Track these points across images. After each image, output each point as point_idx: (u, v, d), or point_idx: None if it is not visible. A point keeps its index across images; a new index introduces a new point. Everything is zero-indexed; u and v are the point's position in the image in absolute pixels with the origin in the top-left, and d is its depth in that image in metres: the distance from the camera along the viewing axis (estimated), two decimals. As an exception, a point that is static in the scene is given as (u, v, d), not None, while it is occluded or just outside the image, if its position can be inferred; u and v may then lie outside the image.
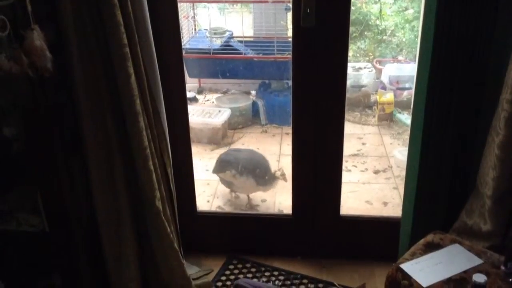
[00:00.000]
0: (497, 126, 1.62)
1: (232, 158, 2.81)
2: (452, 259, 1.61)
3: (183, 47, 3.69)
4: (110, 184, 1.78)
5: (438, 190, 1.86)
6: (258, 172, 2.72)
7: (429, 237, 1.72)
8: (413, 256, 1.64)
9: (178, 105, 2.11)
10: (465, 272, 1.56)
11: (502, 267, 1.55)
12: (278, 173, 2.75)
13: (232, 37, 3.96)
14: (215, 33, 3.87)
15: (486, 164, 1.69)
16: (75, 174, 1.77)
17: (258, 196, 2.90)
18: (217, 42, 3.84)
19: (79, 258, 1.85)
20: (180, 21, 1.99)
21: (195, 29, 4.18)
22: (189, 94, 4.02)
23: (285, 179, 2.71)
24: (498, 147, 1.61)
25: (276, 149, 3.46)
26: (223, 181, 2.85)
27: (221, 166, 2.82)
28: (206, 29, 4.02)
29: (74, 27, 1.61)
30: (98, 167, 1.76)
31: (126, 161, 1.77)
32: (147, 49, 1.75)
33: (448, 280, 1.53)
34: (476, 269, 1.56)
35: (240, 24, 4.10)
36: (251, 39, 4.15)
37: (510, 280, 1.52)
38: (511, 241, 1.68)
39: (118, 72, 1.64)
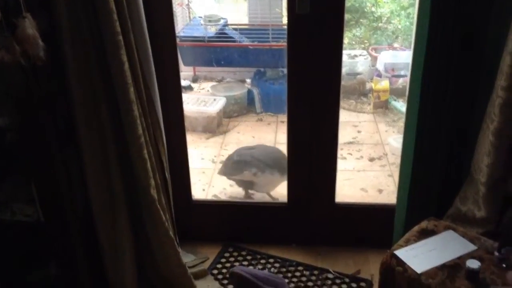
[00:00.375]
0: (491, 113, 1.62)
1: (248, 157, 2.69)
2: (446, 246, 1.62)
3: (177, 35, 3.68)
4: (104, 173, 1.78)
5: (432, 177, 1.87)
6: (281, 164, 2.61)
7: (423, 224, 1.73)
8: (408, 242, 1.65)
9: (173, 93, 2.10)
10: (459, 258, 1.57)
11: (496, 253, 1.56)
12: None
13: (227, 25, 3.93)
14: (209, 21, 3.84)
15: (480, 150, 1.70)
16: (69, 164, 1.76)
17: (253, 184, 2.91)
18: (212, 30, 3.81)
19: (75, 247, 1.85)
20: (174, 9, 1.97)
21: (189, 17, 4.16)
22: (184, 83, 4.00)
23: None
24: (492, 134, 1.62)
25: (272, 138, 3.46)
26: (240, 182, 2.73)
27: (236, 168, 2.69)
28: (201, 17, 3.99)
29: (66, 15, 1.59)
30: (92, 156, 1.75)
31: (121, 150, 1.76)
32: (141, 37, 1.74)
33: (442, 266, 1.54)
34: (470, 255, 1.57)
35: (235, 12, 4.07)
36: (246, 26, 4.13)
37: (504, 265, 1.53)
38: (505, 227, 1.69)
39: (112, 60, 1.63)
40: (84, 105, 1.70)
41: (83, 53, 1.64)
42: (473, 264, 1.49)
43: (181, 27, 3.90)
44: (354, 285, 2.10)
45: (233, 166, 2.72)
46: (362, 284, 2.10)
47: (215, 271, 2.20)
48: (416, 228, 1.72)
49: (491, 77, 1.63)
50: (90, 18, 1.61)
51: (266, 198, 2.78)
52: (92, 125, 1.73)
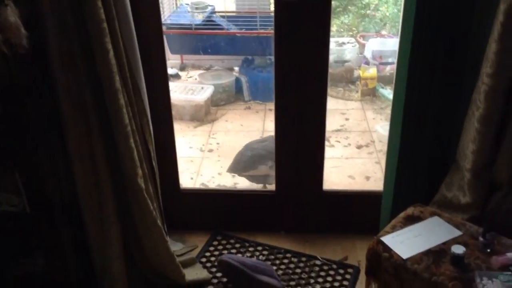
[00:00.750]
0: (477, 100, 1.63)
1: (262, 151, 2.61)
2: (431, 231, 1.64)
3: (164, 22, 3.66)
4: (90, 163, 1.76)
5: (418, 164, 1.88)
6: None
7: (409, 210, 1.75)
8: (394, 229, 1.67)
9: (159, 82, 2.08)
10: (444, 243, 1.59)
11: (480, 238, 1.58)
12: None
13: (214, 12, 3.90)
14: (196, 8, 3.80)
15: (466, 137, 1.71)
16: (54, 153, 1.75)
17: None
18: (199, 17, 3.78)
19: (62, 237, 1.84)
20: (160, -4, 1.96)
21: (176, 4, 4.11)
22: (171, 71, 3.97)
23: None
24: (477, 121, 1.63)
25: (260, 126, 3.45)
26: (254, 178, 2.65)
27: (251, 164, 2.61)
28: (188, 4, 3.94)
29: (49, 2, 1.56)
30: (78, 145, 1.74)
31: (107, 139, 1.75)
32: (126, 24, 1.72)
33: (428, 252, 1.56)
34: (455, 241, 1.59)
35: (222, -1, 4.04)
36: (234, 14, 4.10)
37: (488, 250, 1.56)
38: (489, 213, 1.71)
39: (96, 49, 1.61)
40: (69, 94, 1.68)
41: (67, 41, 1.62)
42: (458, 249, 1.52)
43: (168, 14, 3.86)
44: (341, 271, 2.12)
45: (247, 163, 2.63)
46: (350, 270, 2.13)
47: (204, 259, 2.21)
48: (402, 214, 1.74)
49: (477, 64, 1.64)
50: (74, 5, 1.58)
51: (254, 186, 2.79)
52: (77, 114, 1.71)
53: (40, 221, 1.81)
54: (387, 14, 4.30)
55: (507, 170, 1.64)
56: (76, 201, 1.82)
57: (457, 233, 1.64)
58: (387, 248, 1.59)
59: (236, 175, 2.77)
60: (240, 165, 2.70)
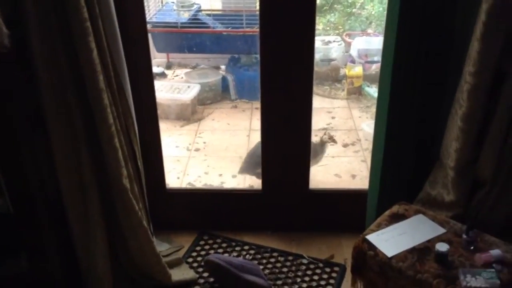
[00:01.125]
0: (460, 99, 1.65)
1: None
2: (416, 229, 1.66)
3: (149, 20, 3.64)
4: (75, 163, 1.75)
5: (403, 162, 1.90)
6: None
7: (394, 208, 1.76)
8: (379, 227, 1.68)
9: (145, 81, 2.07)
10: (428, 241, 1.61)
11: (464, 236, 1.60)
12: (325, 138, 2.69)
13: (200, 10, 3.88)
14: (182, 6, 3.78)
15: (449, 135, 1.73)
16: (38, 153, 1.73)
17: (229, 171, 2.91)
18: (185, 16, 3.76)
19: (46, 238, 1.83)
20: (145, -6, 1.95)
21: (162, 2, 4.08)
22: (157, 70, 3.95)
23: (334, 141, 2.69)
24: (461, 119, 1.65)
25: (247, 124, 3.45)
26: None
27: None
28: (174, 2, 3.92)
29: (31, 1, 1.54)
30: (62, 145, 1.72)
31: (91, 139, 1.74)
32: (109, 23, 1.70)
33: (412, 250, 1.58)
34: (439, 238, 1.61)
35: (208, -3, 4.03)
36: (220, 12, 4.08)
37: (471, 248, 1.57)
38: (473, 211, 1.73)
39: (79, 48, 1.59)
40: (52, 94, 1.66)
41: (50, 41, 1.60)
42: (442, 247, 1.53)
43: (154, 12, 3.83)
44: (327, 269, 2.13)
45: (258, 161, 2.54)
46: (336, 268, 2.14)
47: (190, 259, 2.20)
48: (387, 212, 1.75)
49: (460, 63, 1.66)
50: (56, 4, 1.56)
51: (241, 185, 2.79)
52: (61, 114, 1.69)
53: (23, 221, 1.79)
54: (373, 12, 4.32)
55: (489, 168, 1.66)
56: (60, 201, 1.81)
57: (441, 230, 1.65)
58: (372, 246, 1.60)
59: (248, 175, 2.75)
60: (251, 166, 2.67)
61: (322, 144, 2.71)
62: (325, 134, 2.72)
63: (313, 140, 2.66)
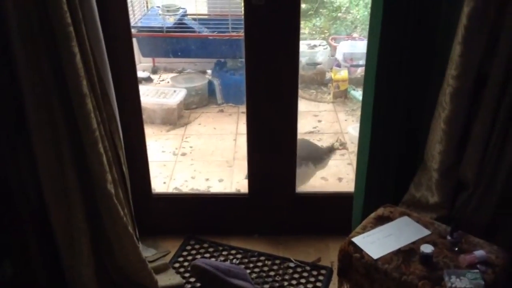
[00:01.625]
0: (443, 101, 1.66)
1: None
2: (401, 231, 1.67)
3: (135, 25, 3.62)
4: (58, 167, 1.73)
5: (388, 165, 1.91)
6: (314, 155, 2.59)
7: (380, 211, 1.77)
8: (365, 229, 1.68)
9: (129, 86, 2.06)
10: (413, 243, 1.62)
11: (448, 237, 1.61)
12: (336, 144, 2.67)
13: (186, 15, 3.88)
14: (168, 11, 3.77)
15: (433, 138, 1.74)
16: (21, 158, 1.71)
17: (215, 175, 2.90)
18: (170, 20, 3.75)
19: (30, 245, 1.80)
20: (130, -2, 1.94)
21: (147, 7, 4.07)
22: (143, 74, 3.93)
23: (345, 148, 2.69)
24: (444, 122, 1.66)
25: (233, 128, 3.45)
26: None
27: None
28: (159, 7, 3.91)
29: (13, 5, 1.53)
30: (45, 151, 1.70)
31: (75, 144, 1.72)
32: (93, 28, 1.69)
33: (398, 252, 1.59)
34: (424, 240, 1.62)
35: (194, 1, 4.02)
36: (205, 16, 4.08)
37: (456, 249, 1.59)
38: (457, 212, 1.75)
39: (62, 52, 1.58)
40: (35, 98, 1.65)
41: (33, 45, 1.59)
42: (427, 248, 1.54)
43: (139, 17, 3.82)
44: (314, 272, 2.13)
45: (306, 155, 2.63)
46: (323, 271, 2.14)
47: (177, 265, 2.19)
48: (372, 215, 1.76)
49: (443, 67, 1.67)
50: (39, 8, 1.55)
51: (228, 190, 2.78)
52: (44, 119, 1.67)
53: (6, 228, 1.76)
54: (358, 16, 4.35)
55: (472, 170, 1.67)
56: (44, 207, 1.79)
57: (425, 232, 1.66)
58: (358, 249, 1.61)
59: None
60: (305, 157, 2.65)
61: (331, 150, 2.69)
62: (337, 140, 2.71)
63: (321, 144, 2.68)
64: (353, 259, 1.61)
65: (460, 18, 1.56)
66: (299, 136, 2.23)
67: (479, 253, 1.54)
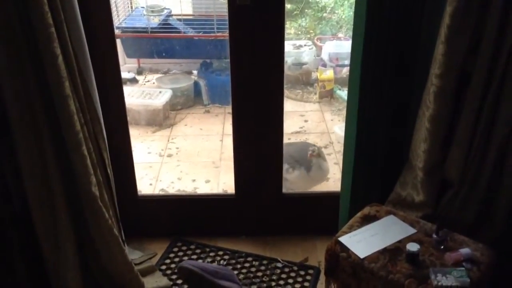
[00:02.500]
0: (427, 100, 1.68)
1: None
2: (387, 230, 1.67)
3: (119, 26, 3.59)
4: (41, 172, 1.70)
5: (374, 164, 1.92)
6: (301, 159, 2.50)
7: (366, 210, 1.77)
8: (351, 229, 1.69)
9: (113, 87, 2.04)
10: (399, 241, 1.63)
11: (434, 235, 1.62)
12: (313, 153, 2.57)
13: (171, 15, 3.85)
14: (152, 11, 3.75)
15: (417, 137, 1.75)
16: (3, 162, 1.68)
17: (202, 176, 2.89)
18: (155, 21, 3.72)
19: (13, 250, 1.77)
20: (113, -1, 1.91)
21: (131, 7, 4.04)
22: (128, 75, 3.90)
23: (319, 156, 2.57)
24: (428, 121, 1.67)
25: (219, 129, 3.44)
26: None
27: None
28: (143, 7, 3.88)
29: (-8, 5, 1.50)
30: (27, 153, 1.67)
31: (58, 147, 1.70)
32: (75, 28, 1.67)
33: (384, 250, 1.59)
34: (410, 238, 1.63)
35: (178, 2, 3.99)
36: (191, 17, 4.06)
37: (441, 247, 1.60)
38: (442, 211, 1.76)
39: (44, 54, 1.55)
40: (17, 101, 1.62)
41: (14, 46, 1.56)
42: (413, 247, 1.55)
43: (123, 17, 3.79)
44: (302, 272, 2.13)
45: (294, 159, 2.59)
46: (310, 271, 2.14)
47: (164, 267, 2.18)
48: (359, 214, 1.76)
49: (427, 66, 1.69)
50: (20, 9, 1.53)
51: (214, 190, 2.77)
52: (27, 122, 1.65)
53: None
54: (343, 17, 4.37)
55: (457, 168, 1.69)
56: (28, 210, 1.76)
57: (411, 231, 1.67)
58: (344, 248, 1.61)
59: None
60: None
61: (310, 161, 2.59)
62: (313, 151, 2.59)
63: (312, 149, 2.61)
64: (340, 259, 1.61)
65: (443, 18, 1.57)
66: (285, 137, 2.23)
67: (465, 251, 1.55)
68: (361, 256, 1.57)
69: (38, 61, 1.58)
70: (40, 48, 1.56)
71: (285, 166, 2.50)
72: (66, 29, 1.60)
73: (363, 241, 1.63)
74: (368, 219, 1.73)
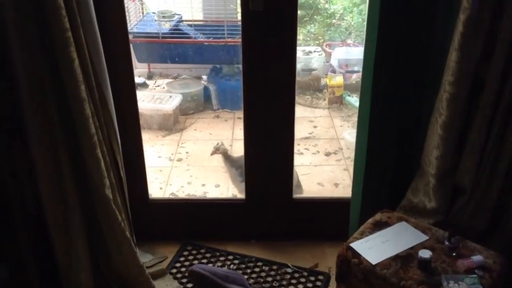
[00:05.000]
0: (439, 107, 1.68)
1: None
2: (399, 237, 1.67)
3: (130, 31, 3.62)
4: (56, 173, 1.72)
5: (385, 170, 1.92)
6: None
7: (377, 216, 1.77)
8: (362, 235, 1.69)
9: (127, 91, 2.05)
10: (411, 248, 1.63)
11: (446, 242, 1.62)
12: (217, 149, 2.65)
13: (182, 21, 3.88)
14: (163, 17, 3.78)
15: (430, 143, 1.76)
16: (17, 164, 1.70)
17: (212, 181, 2.90)
18: (166, 26, 3.75)
19: (26, 250, 1.79)
20: (126, 4, 1.92)
21: (142, 13, 4.07)
22: (138, 80, 3.93)
23: (218, 153, 2.64)
24: (441, 127, 1.68)
25: (229, 134, 3.45)
26: None
27: None
28: (154, 13, 3.92)
29: (11, 9, 1.52)
30: (42, 156, 1.69)
31: (73, 149, 1.71)
32: (91, 33, 1.69)
33: (396, 257, 1.59)
34: (422, 245, 1.63)
35: (189, 8, 4.02)
36: (201, 22, 4.09)
37: (454, 254, 1.59)
38: (454, 218, 1.76)
39: (61, 58, 1.58)
40: (33, 104, 1.64)
41: (31, 51, 1.58)
42: (425, 254, 1.55)
43: (134, 23, 3.82)
44: (312, 278, 2.13)
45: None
46: (320, 277, 2.14)
47: (174, 270, 2.18)
48: (370, 220, 1.76)
49: (439, 72, 1.69)
50: (37, 14, 1.55)
51: (224, 195, 2.78)
52: (42, 124, 1.67)
53: (2, 234, 1.75)
54: (352, 23, 4.38)
55: (470, 175, 1.68)
56: (41, 212, 1.77)
57: (423, 237, 1.67)
58: (356, 254, 1.61)
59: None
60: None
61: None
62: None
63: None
64: (351, 265, 1.61)
65: (456, 25, 1.57)
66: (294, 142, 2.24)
67: (477, 258, 1.55)
68: (373, 263, 1.57)
69: (54, 65, 1.60)
70: (56, 52, 1.58)
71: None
72: (83, 33, 1.62)
73: (374, 248, 1.63)
74: (379, 226, 1.73)
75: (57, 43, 1.56)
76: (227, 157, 2.70)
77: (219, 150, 2.70)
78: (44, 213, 1.78)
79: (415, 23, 1.72)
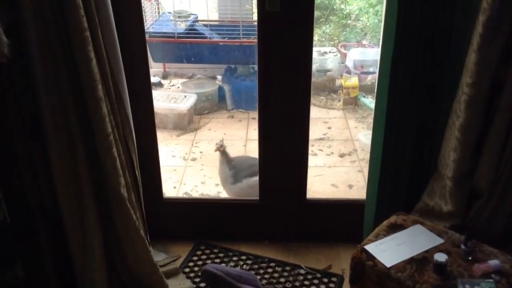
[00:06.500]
0: (457, 109, 1.66)
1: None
2: (414, 240, 1.66)
3: (146, 30, 3.63)
4: (72, 172, 1.74)
5: (401, 172, 1.90)
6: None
7: (392, 219, 1.76)
8: (377, 237, 1.68)
9: (142, 90, 2.07)
10: (427, 251, 1.61)
11: (462, 246, 1.60)
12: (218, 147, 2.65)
13: (197, 21, 3.90)
14: (179, 17, 3.80)
15: (447, 146, 1.74)
16: (36, 162, 1.72)
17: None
18: (182, 26, 3.77)
19: (42, 248, 1.81)
20: (143, 4, 1.93)
21: (158, 12, 4.10)
22: (153, 79, 3.95)
23: (219, 150, 2.63)
24: (458, 130, 1.66)
25: (243, 134, 3.45)
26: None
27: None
28: (170, 12, 3.94)
29: (31, 10, 1.54)
30: (59, 154, 1.71)
31: (89, 148, 1.73)
32: (109, 32, 1.70)
33: (411, 260, 1.58)
34: (438, 249, 1.61)
35: (205, 8, 4.04)
36: (216, 23, 4.10)
37: (470, 258, 1.58)
38: (471, 221, 1.74)
39: (78, 57, 1.59)
40: (50, 103, 1.66)
41: (49, 50, 1.60)
42: (441, 257, 1.53)
43: (150, 22, 3.85)
44: (325, 280, 2.12)
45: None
46: (334, 279, 2.13)
47: (187, 270, 2.19)
48: (385, 222, 1.75)
49: (457, 74, 1.67)
50: (56, 13, 1.56)
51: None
52: (59, 123, 1.68)
53: (20, 232, 1.77)
54: (368, 24, 4.36)
55: (487, 178, 1.66)
56: (57, 210, 1.79)
57: (439, 241, 1.65)
58: (370, 257, 1.60)
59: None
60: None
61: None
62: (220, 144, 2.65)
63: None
64: (365, 267, 1.60)
65: (475, 27, 1.56)
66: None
67: (493, 262, 1.53)
68: (388, 265, 1.56)
69: (72, 64, 1.62)
70: (74, 52, 1.59)
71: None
72: (100, 33, 1.64)
73: (389, 250, 1.62)
74: (394, 228, 1.72)
75: (75, 42, 1.58)
76: (224, 155, 2.68)
77: (222, 147, 2.69)
78: (60, 211, 1.79)
79: (432, 24, 1.70)
